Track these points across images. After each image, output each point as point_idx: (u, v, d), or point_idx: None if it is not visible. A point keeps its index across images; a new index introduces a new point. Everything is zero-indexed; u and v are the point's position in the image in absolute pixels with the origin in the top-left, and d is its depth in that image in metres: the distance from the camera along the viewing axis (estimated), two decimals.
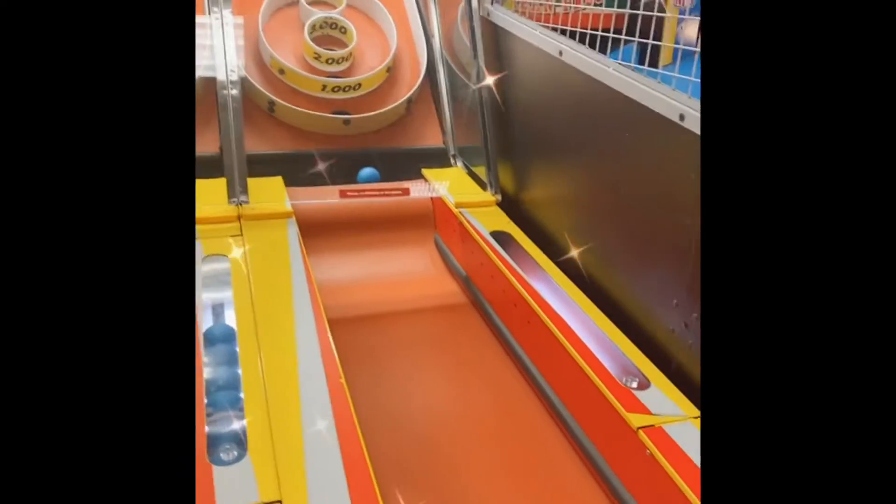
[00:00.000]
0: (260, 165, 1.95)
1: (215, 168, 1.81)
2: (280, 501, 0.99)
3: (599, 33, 1.61)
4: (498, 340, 1.71)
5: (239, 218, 1.71)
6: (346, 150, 2.12)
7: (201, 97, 2.05)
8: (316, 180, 2.00)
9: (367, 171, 2.09)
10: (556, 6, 1.80)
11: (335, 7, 2.25)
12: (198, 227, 1.65)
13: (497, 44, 2.01)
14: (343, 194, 1.90)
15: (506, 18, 1.95)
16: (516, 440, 1.46)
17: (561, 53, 1.68)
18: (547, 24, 1.81)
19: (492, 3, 2.01)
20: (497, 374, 1.62)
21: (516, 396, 1.55)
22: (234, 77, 1.83)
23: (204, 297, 1.43)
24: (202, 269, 1.52)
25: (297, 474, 1.03)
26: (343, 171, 2.07)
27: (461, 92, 2.15)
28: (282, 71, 2.12)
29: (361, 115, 2.13)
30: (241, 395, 1.17)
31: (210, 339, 1.32)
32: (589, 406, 1.34)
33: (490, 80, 2.01)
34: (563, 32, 1.73)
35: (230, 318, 1.38)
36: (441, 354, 1.70)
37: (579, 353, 1.38)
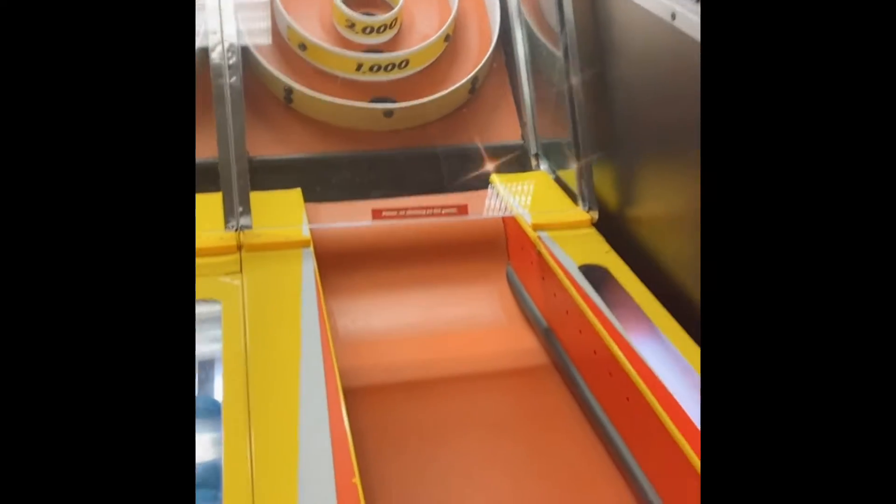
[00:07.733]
0: (274, 174, 1.88)
1: (213, 178, 1.66)
2: None
3: None
4: (587, 420, 1.56)
5: (239, 248, 1.58)
6: (387, 150, 2.01)
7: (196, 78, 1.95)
8: (345, 193, 1.89)
9: None
10: None
11: None
12: None
13: (593, 4, 1.84)
14: (377, 215, 1.75)
15: None
16: None
17: (674, 17, 1.53)
18: None
19: None
20: (585, 470, 1.48)
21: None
22: (234, 60, 1.65)
23: None
24: None
25: None
26: (384, 179, 1.96)
27: (547, 68, 1.97)
28: (303, 46, 1.98)
29: (409, 104, 1.98)
30: (221, 495, 1.11)
31: None
32: None
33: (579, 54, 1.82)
34: None
35: (217, 388, 1.37)
36: (507, 439, 1.55)
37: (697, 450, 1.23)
